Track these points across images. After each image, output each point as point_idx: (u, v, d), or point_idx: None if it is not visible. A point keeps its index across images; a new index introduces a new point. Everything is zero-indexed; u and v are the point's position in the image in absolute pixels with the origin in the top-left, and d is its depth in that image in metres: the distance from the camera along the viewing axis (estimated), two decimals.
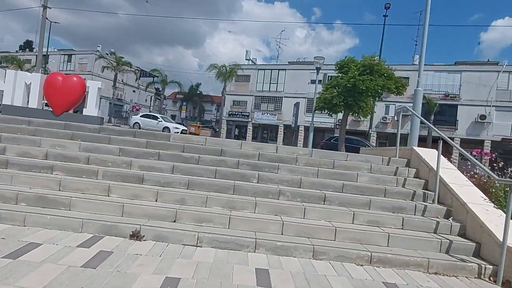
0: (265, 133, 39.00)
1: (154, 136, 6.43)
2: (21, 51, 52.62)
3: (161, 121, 23.83)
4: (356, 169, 6.06)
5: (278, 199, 4.96)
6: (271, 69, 36.67)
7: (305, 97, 32.64)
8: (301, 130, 32.34)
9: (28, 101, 9.77)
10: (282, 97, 35.62)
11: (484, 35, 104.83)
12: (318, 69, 15.57)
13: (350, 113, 16.03)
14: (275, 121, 35.62)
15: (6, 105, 9.62)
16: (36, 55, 40.96)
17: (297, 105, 25.73)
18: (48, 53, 47.00)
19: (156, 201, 4.62)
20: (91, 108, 10.02)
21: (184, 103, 50.19)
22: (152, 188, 4.73)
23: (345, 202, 5.00)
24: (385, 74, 15.44)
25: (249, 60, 39.99)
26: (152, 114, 27.37)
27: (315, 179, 5.61)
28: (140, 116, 25.22)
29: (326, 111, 16.69)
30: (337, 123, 30.81)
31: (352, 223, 4.63)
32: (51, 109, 10.04)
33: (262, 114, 36.30)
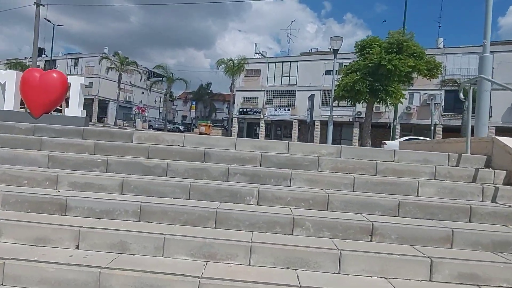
0: (279, 129, 36.91)
1: (110, 136, 4.45)
2: (29, 58, 51.96)
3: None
4: (413, 175, 3.91)
5: (292, 235, 2.91)
6: (282, 62, 34.45)
7: (320, 90, 30.32)
8: (317, 125, 30.04)
9: (4, 103, 8.16)
10: (295, 90, 33.38)
11: (501, 20, 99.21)
12: (335, 51, 13.34)
13: (377, 101, 13.67)
14: (288, 117, 33.41)
15: None
16: (48, 60, 40.06)
17: (311, 98, 23.49)
18: (56, 58, 46.33)
19: (76, 247, 2.64)
20: (73, 108, 8.26)
21: (193, 102, 48.51)
22: (74, 225, 2.75)
23: (408, 236, 2.88)
24: (415, 54, 13.04)
25: (258, 53, 37.90)
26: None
27: (351, 194, 3.49)
28: None
29: (347, 100, 14.40)
30: (356, 115, 28.35)
31: (430, 281, 2.52)
32: (29, 111, 8.43)
33: (275, 109, 34.15)
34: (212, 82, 60.11)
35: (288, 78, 33.77)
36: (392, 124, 24.06)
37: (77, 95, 8.77)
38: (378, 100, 13.40)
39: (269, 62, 34.55)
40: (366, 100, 13.54)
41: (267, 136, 34.64)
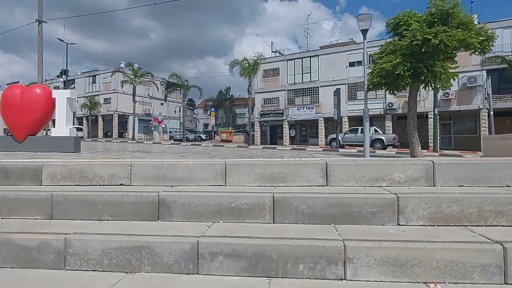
0: (304, 130, 34.58)
1: (4, 176, 2.50)
2: (49, 80, 52.47)
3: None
4: None
5: None
6: (302, 58, 32.11)
7: (344, 83, 27.71)
8: (344, 121, 27.47)
9: None
10: (317, 87, 30.95)
11: None
12: (364, 32, 10.99)
13: (422, 86, 11.12)
14: (313, 115, 30.99)
15: None
16: (64, 81, 39.94)
17: (337, 92, 21.11)
18: (74, 77, 46.45)
19: None
20: (60, 127, 6.67)
21: (213, 109, 46.78)
22: None
23: None
24: (462, 25, 10.38)
25: (275, 52, 35.78)
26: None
27: None
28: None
29: (384, 89, 11.92)
30: (388, 107, 25.52)
31: None
32: (12, 135, 6.88)
33: (298, 109, 31.85)
34: (231, 87, 58.64)
35: (309, 74, 31.44)
36: (432, 113, 21.17)
37: (63, 111, 6.89)
38: (424, 84, 10.85)
39: (287, 60, 32.34)
40: (408, 85, 11.02)
41: (292, 138, 32.41)
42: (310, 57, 31.82)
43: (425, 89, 11.26)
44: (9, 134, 7.01)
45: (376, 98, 24.24)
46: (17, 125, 6.74)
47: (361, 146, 20.72)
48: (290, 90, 32.77)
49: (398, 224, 1.88)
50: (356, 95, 27.75)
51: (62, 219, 2.06)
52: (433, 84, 10.72)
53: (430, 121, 22.85)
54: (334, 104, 21.63)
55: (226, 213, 1.97)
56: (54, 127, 7.51)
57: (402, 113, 26.14)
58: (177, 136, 36.20)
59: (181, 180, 2.32)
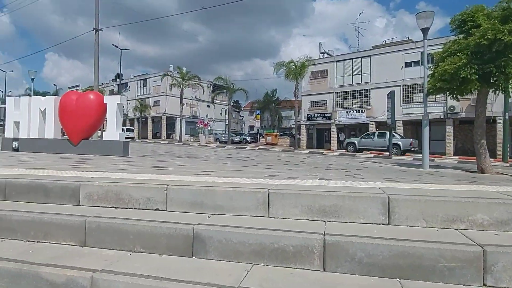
0: (353, 134, 33.32)
1: (44, 195, 2.46)
2: (105, 83, 55.65)
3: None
4: None
5: None
6: (352, 59, 30.94)
7: (399, 85, 26.16)
8: (399, 126, 25.91)
9: (45, 131, 7.35)
10: (369, 89, 29.62)
11: None
12: (425, 30, 10.10)
13: (491, 90, 9.94)
14: (363, 119, 29.70)
15: (23, 139, 7.51)
16: (118, 84, 42.60)
17: (391, 95, 19.92)
18: (127, 81, 49.29)
19: None
20: (111, 131, 6.99)
21: (258, 112, 46.87)
22: None
23: None
24: None
25: (324, 53, 34.87)
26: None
27: None
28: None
29: (446, 94, 10.87)
30: (449, 111, 23.58)
31: None
32: (68, 138, 7.43)
33: (347, 112, 30.73)
34: (277, 89, 58.34)
35: (359, 76, 30.20)
36: (501, 117, 19.13)
37: (114, 116, 7.14)
38: (494, 88, 9.69)
39: (336, 61, 31.35)
40: (476, 89, 9.90)
41: (340, 142, 31.37)
42: (361, 57, 30.59)
43: (495, 93, 10.08)
44: (64, 136, 7.42)
45: (435, 101, 22.62)
46: (72, 130, 7.08)
47: (377, 150, 19.11)
48: (339, 92, 31.77)
49: (484, 285, 1.48)
50: (412, 97, 26.06)
51: (94, 247, 1.93)
52: (505, 88, 9.54)
53: (499, 126, 20.73)
54: (388, 107, 20.45)
55: (268, 255, 1.70)
56: (105, 131, 7.91)
57: (465, 118, 24.07)
58: (223, 138, 36.77)
59: (219, 208, 2.10)
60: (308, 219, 1.95)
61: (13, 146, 7.43)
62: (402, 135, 24.28)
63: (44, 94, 44.41)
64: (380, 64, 29.40)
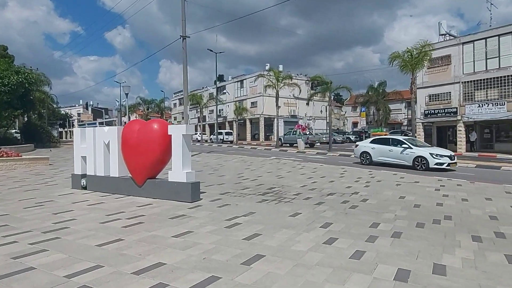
0: (487, 132, 26.98)
1: None
2: (204, 87, 57.57)
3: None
4: None
5: None
6: (485, 38, 24.75)
7: None
8: None
9: (110, 167, 6.33)
10: (510, 75, 23.34)
11: None
12: None
13: None
14: (504, 113, 23.48)
15: (90, 177, 6.60)
16: (216, 88, 43.46)
17: None
18: (226, 83, 50.20)
19: None
20: (176, 170, 5.49)
21: (363, 109, 42.37)
22: None
23: None
24: None
25: (444, 35, 28.92)
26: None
27: None
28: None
29: None
30: None
31: None
32: (132, 177, 6.12)
33: (479, 106, 24.80)
34: (385, 81, 52.18)
35: (497, 59, 23.95)
36: None
37: (180, 151, 5.40)
38: None
39: (463, 43, 25.53)
40: None
41: (471, 144, 25.58)
42: (499, 35, 24.27)
43: None
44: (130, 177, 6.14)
45: None
46: (135, 167, 5.77)
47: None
48: (468, 82, 25.93)
49: None
50: None
51: None
52: None
53: None
54: None
55: None
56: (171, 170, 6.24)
57: None
58: (324, 139, 33.93)
59: None
60: None
61: (82, 184, 6.58)
62: None
63: (151, 101, 48.47)
64: None
